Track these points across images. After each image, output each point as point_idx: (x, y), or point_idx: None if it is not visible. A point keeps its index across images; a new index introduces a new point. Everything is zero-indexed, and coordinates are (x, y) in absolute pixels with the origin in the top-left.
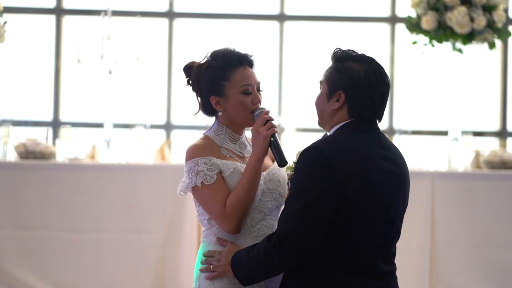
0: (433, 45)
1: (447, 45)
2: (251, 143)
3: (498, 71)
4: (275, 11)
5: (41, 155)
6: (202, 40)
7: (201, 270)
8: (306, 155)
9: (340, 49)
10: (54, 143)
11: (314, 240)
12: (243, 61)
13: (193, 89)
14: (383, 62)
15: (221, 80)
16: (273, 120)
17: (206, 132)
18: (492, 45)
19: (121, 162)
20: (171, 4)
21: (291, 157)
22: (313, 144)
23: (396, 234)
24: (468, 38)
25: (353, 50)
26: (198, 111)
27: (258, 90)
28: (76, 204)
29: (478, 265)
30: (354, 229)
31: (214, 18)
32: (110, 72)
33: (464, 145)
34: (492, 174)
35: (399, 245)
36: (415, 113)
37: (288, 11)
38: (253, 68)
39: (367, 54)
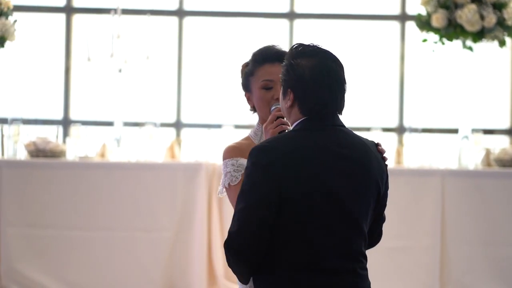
0: (443, 43)
1: (457, 43)
2: None
3: (508, 69)
4: (285, 9)
5: (51, 153)
6: (212, 39)
7: None
8: (251, 155)
9: (298, 45)
10: (64, 141)
11: (258, 241)
12: (270, 58)
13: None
14: (393, 60)
15: (249, 76)
16: (284, 117)
17: (250, 132)
18: (502, 43)
19: (131, 161)
20: (181, 3)
21: None
22: (261, 143)
23: (358, 232)
24: (478, 36)
25: (310, 45)
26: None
27: None
28: (86, 202)
29: (489, 263)
30: (302, 228)
31: (224, 17)
32: (120, 71)
33: (474, 143)
34: (503, 172)
35: (409, 243)
36: (426, 111)
37: (298, 9)
38: None
39: (323, 48)
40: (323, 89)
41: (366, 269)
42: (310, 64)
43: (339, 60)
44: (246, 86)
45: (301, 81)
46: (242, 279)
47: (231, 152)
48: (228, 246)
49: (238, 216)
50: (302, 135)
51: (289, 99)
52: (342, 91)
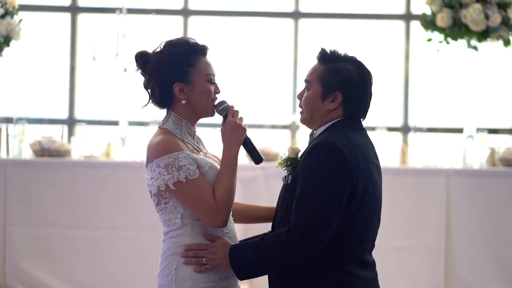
0: (448, 43)
1: (462, 42)
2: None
3: None
4: (290, 8)
5: (57, 153)
6: (217, 38)
7: (189, 263)
8: (323, 150)
9: (327, 49)
10: (69, 140)
11: (331, 233)
12: (205, 51)
13: (150, 77)
14: (398, 59)
15: (186, 67)
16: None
17: (163, 125)
18: (507, 43)
19: (136, 160)
20: (186, 2)
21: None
22: (325, 139)
23: (378, 227)
24: (483, 35)
25: (337, 50)
26: (148, 102)
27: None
28: (91, 201)
29: (493, 262)
30: (358, 222)
31: (229, 16)
32: (125, 70)
33: (479, 143)
34: (507, 171)
35: (414, 242)
36: (430, 111)
37: (302, 9)
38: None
39: (350, 54)
40: (369, 94)
41: None
42: (355, 69)
43: None
44: (181, 76)
45: (352, 84)
46: (262, 272)
47: (178, 145)
48: (306, 238)
49: (320, 209)
50: (351, 133)
51: (334, 101)
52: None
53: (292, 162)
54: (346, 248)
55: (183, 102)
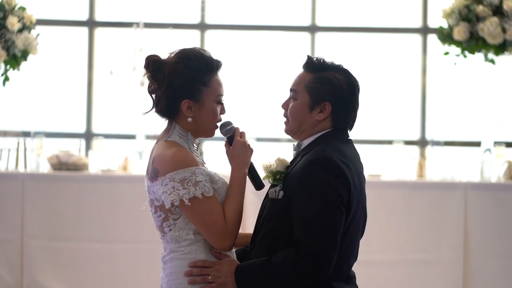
0: (465, 56)
1: (479, 55)
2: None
3: None
4: (307, 22)
5: (74, 166)
6: (234, 52)
7: (194, 282)
8: (321, 167)
9: (314, 58)
10: (86, 154)
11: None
12: (219, 68)
13: (159, 86)
14: (415, 73)
15: (199, 85)
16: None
17: (169, 138)
18: None
19: None
20: (202, 16)
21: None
22: (321, 154)
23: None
24: (500, 48)
25: (324, 58)
26: (151, 110)
27: None
28: (109, 215)
29: None
30: (347, 238)
31: (246, 30)
32: (142, 84)
33: (496, 156)
34: None
35: (432, 256)
36: (448, 124)
37: (319, 23)
38: None
39: (336, 63)
40: (357, 104)
41: None
42: (344, 78)
43: None
44: (192, 93)
45: (341, 94)
46: None
47: (193, 161)
48: (318, 258)
49: (326, 225)
50: (342, 146)
51: (324, 111)
52: None
53: (281, 176)
54: (335, 264)
55: (189, 120)
